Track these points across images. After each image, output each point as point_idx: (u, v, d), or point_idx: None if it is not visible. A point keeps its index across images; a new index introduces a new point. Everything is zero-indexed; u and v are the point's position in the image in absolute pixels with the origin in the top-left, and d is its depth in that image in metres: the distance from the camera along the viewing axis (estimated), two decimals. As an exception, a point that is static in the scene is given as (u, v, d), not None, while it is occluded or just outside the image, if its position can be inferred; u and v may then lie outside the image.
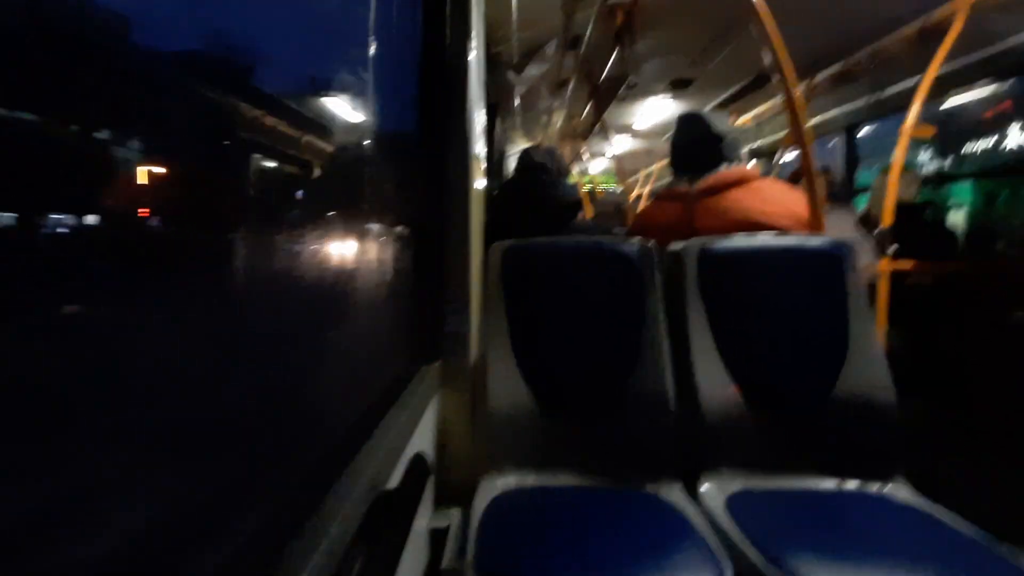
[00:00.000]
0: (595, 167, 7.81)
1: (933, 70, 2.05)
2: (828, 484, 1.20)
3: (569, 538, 0.96)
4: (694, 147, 1.60)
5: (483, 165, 1.57)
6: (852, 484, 1.20)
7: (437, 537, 1.22)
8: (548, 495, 1.16)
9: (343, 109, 1.00)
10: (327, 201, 0.94)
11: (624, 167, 6.51)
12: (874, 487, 1.19)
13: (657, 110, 4.37)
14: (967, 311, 2.31)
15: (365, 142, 1.09)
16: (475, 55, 1.34)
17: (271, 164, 0.79)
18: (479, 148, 1.38)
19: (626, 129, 5.14)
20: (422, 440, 1.15)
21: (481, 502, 1.11)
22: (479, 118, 1.45)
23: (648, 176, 7.50)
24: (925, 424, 1.84)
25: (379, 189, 1.11)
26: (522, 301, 1.33)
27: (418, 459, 0.85)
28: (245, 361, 0.68)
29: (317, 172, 0.92)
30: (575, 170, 6.61)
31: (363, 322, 1.02)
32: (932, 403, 2.03)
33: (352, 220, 1.01)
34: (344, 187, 1.01)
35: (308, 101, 0.88)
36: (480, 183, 1.50)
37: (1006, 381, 2.28)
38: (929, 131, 2.26)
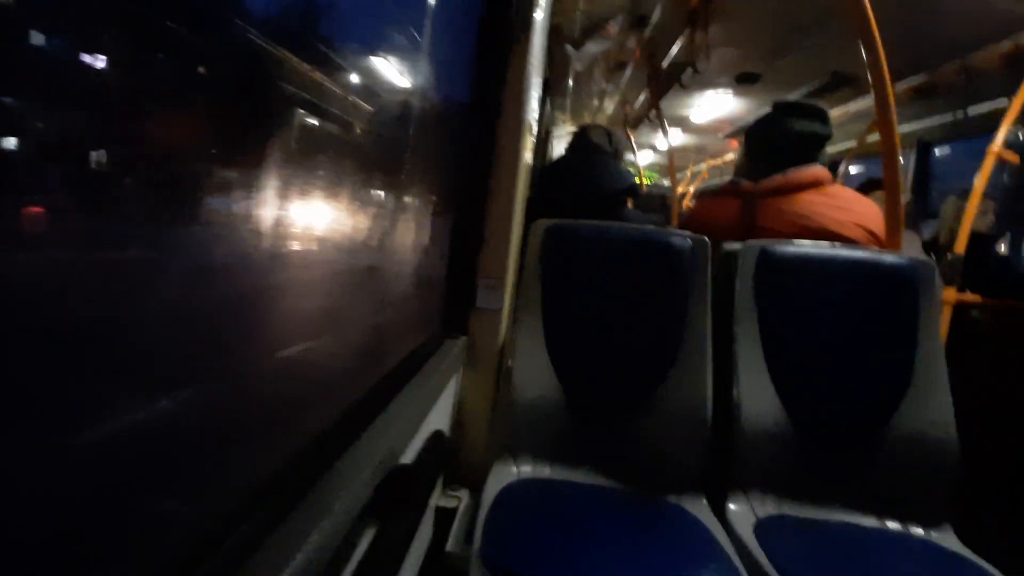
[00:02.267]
0: (642, 159, 7.60)
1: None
2: (868, 521, 1.11)
3: (585, 538, 0.90)
4: (802, 141, 1.43)
5: (534, 138, 1.49)
6: (894, 525, 1.10)
7: (443, 516, 1.17)
8: (563, 489, 1.10)
9: (392, 70, 0.93)
10: (364, 162, 0.88)
11: (670, 162, 6.31)
12: (918, 531, 1.09)
13: (716, 104, 4.17)
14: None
15: (413, 105, 1.01)
16: (540, 21, 1.24)
17: (312, 121, 0.73)
18: (532, 120, 1.29)
19: (680, 122, 4.94)
20: (440, 416, 1.10)
21: (493, 487, 1.06)
22: (536, 89, 1.36)
23: (696, 174, 7.26)
24: (979, 472, 1.71)
25: (423, 154, 1.04)
26: (560, 285, 1.25)
27: (437, 436, 0.79)
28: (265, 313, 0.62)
29: (358, 133, 0.86)
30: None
31: (390, 288, 0.96)
32: (987, 451, 1.89)
33: (390, 183, 0.94)
34: (384, 150, 0.94)
35: (357, 58, 0.80)
36: (529, 156, 1.41)
37: None
38: (1015, 157, 2.07)
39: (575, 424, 1.20)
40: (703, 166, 6.98)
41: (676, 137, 5.69)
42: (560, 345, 1.23)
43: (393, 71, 0.96)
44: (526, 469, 1.17)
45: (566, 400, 1.20)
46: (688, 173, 7.31)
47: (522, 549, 0.86)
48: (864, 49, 1.30)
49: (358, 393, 0.74)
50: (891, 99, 1.29)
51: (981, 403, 1.99)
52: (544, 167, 1.98)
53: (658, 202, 3.73)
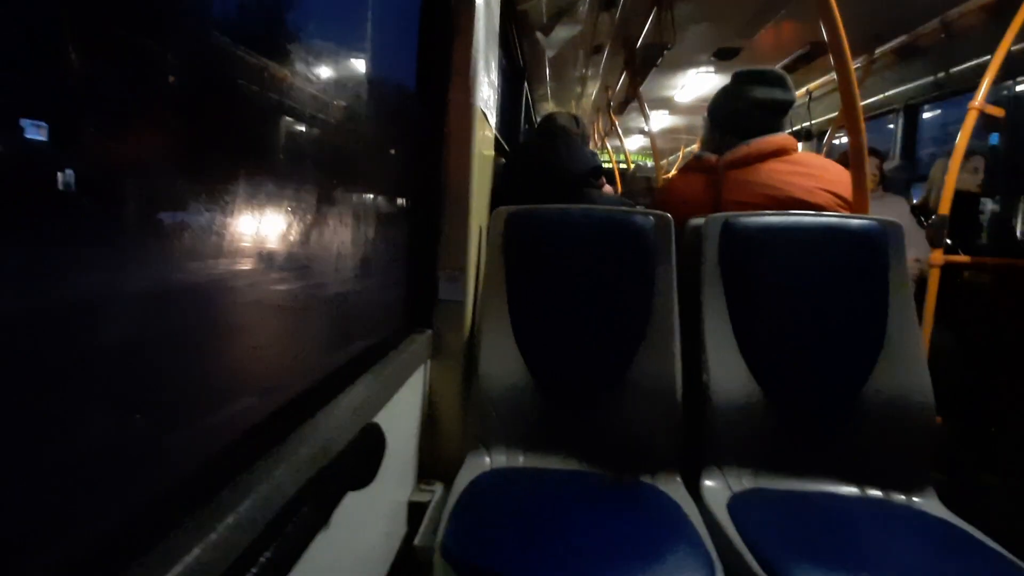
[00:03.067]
0: (632, 144, 7.54)
1: (1006, 44, 1.81)
2: (848, 490, 1.08)
3: (551, 525, 0.88)
4: (763, 108, 1.40)
5: (491, 124, 1.46)
6: (875, 492, 1.08)
7: (418, 511, 1.16)
8: (536, 477, 1.08)
9: (334, 61, 0.91)
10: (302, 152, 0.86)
11: (660, 145, 6.25)
12: (899, 497, 1.07)
13: (699, 83, 4.11)
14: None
15: (359, 99, 0.99)
16: (481, 7, 1.22)
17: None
18: (484, 106, 1.27)
19: (665, 103, 4.89)
20: (403, 411, 1.09)
21: (463, 479, 1.05)
22: (487, 75, 1.33)
23: (689, 155, 7.19)
24: (963, 436, 1.68)
25: (368, 146, 1.02)
26: (524, 272, 1.24)
27: (371, 430, 0.77)
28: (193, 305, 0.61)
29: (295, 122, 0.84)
30: (609, 145, 6.37)
31: (335, 286, 0.94)
32: (974, 413, 1.85)
33: (334, 177, 0.92)
34: (325, 144, 0.92)
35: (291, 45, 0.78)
36: (487, 144, 1.39)
37: None
38: (999, 111, 2.01)
39: (547, 411, 1.18)
40: (695, 147, 6.92)
41: (663, 119, 5.64)
42: (528, 332, 1.21)
43: (334, 62, 0.94)
44: (500, 459, 1.16)
45: (536, 387, 1.18)
46: (680, 154, 7.25)
47: (484, 539, 0.85)
48: (822, 19, 1.27)
49: (297, 391, 0.73)
50: (850, 69, 1.25)
51: (972, 364, 1.96)
52: (510, 154, 1.96)
53: (643, 184, 3.69)
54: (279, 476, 0.56)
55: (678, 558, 0.82)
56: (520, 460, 1.15)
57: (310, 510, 0.60)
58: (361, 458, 0.72)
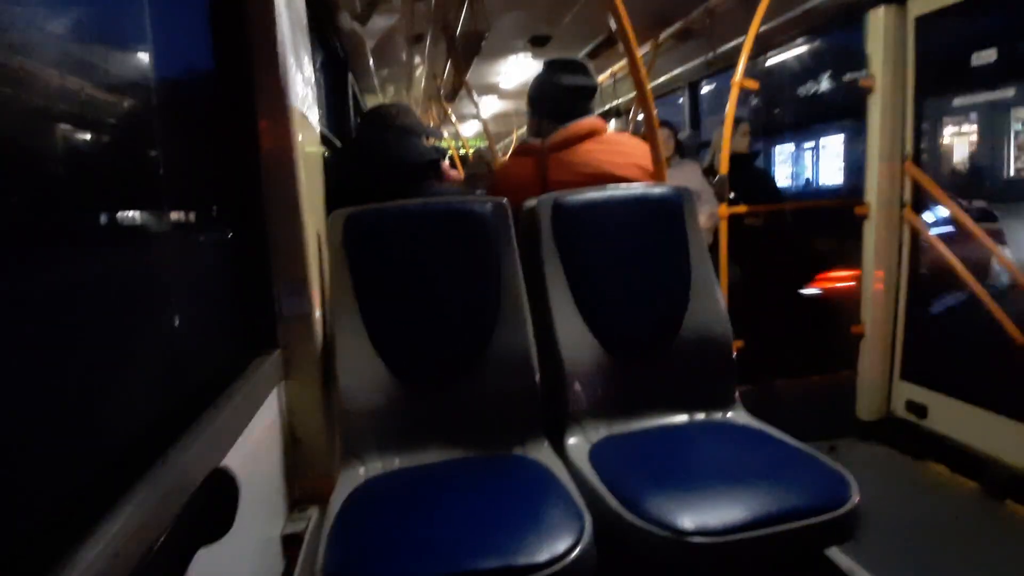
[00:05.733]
0: (467, 130, 7.66)
1: (754, 27, 2.22)
2: (679, 418, 1.28)
3: (427, 522, 0.90)
4: (572, 94, 1.54)
5: (313, 121, 1.39)
6: (699, 416, 1.29)
7: (293, 543, 1.09)
8: (412, 476, 1.09)
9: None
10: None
11: (493, 129, 6.44)
12: (716, 415, 1.29)
13: (520, 69, 4.32)
14: (788, 247, 2.65)
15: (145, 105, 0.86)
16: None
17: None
18: (300, 101, 1.20)
19: (492, 89, 5.05)
20: (260, 440, 1.01)
21: (338, 497, 1.01)
22: (300, 71, 1.25)
23: (521, 138, 7.54)
24: (757, 353, 2.09)
25: (166, 157, 0.89)
26: (370, 273, 1.21)
27: (217, 475, 0.71)
28: None
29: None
30: (445, 133, 6.40)
31: (156, 318, 0.83)
32: (764, 330, 2.30)
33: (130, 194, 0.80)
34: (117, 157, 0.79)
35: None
36: (310, 142, 1.32)
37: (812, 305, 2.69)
38: (754, 84, 2.46)
39: (414, 408, 1.19)
40: (525, 128, 7.28)
41: (494, 104, 5.83)
42: (383, 334, 1.20)
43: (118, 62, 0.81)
44: (375, 467, 1.14)
45: (400, 387, 1.18)
46: (514, 136, 7.57)
47: (363, 555, 0.84)
48: (608, 8, 1.42)
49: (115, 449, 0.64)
50: (636, 53, 1.43)
51: (756, 292, 2.43)
52: (341, 152, 1.87)
53: (483, 168, 3.82)
54: (112, 548, 0.49)
55: (551, 515, 0.89)
56: (396, 463, 1.15)
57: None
58: (209, 509, 0.66)
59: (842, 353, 2.37)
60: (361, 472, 1.12)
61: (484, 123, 4.31)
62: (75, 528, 0.50)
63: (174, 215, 0.91)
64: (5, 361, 0.48)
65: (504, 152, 6.69)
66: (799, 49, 3.39)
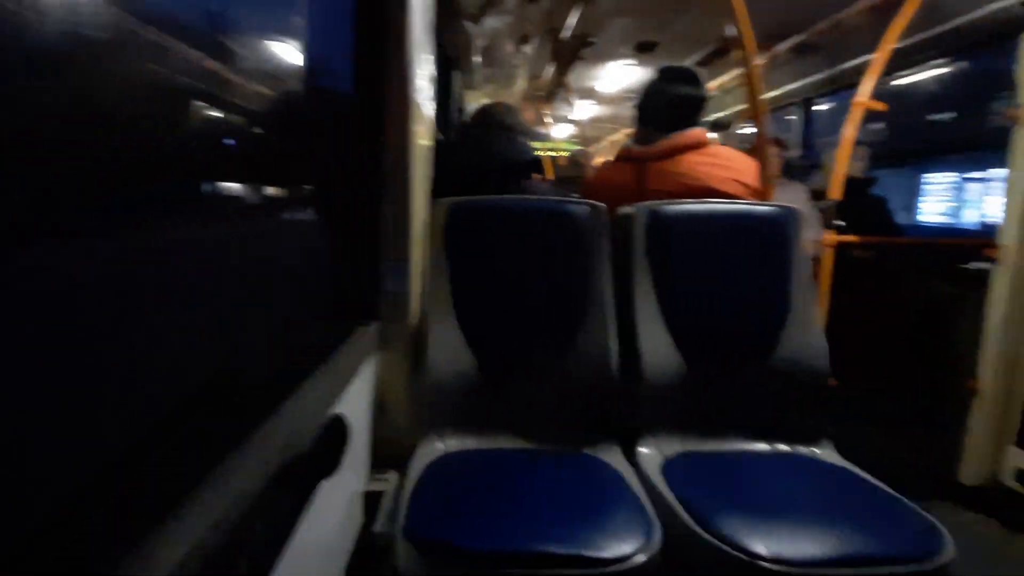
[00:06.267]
0: (559, 132, 7.69)
1: (887, 44, 2.06)
2: (760, 447, 1.23)
3: (502, 501, 0.95)
4: (679, 104, 1.52)
5: (429, 115, 1.48)
6: (783, 447, 1.24)
7: (373, 500, 1.18)
8: (486, 458, 1.14)
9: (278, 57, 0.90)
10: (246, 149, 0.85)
11: (586, 134, 6.42)
12: (802, 450, 1.23)
13: (621, 74, 4.28)
14: (900, 286, 2.42)
15: (299, 94, 0.98)
16: (419, 2, 1.23)
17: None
18: (421, 96, 1.29)
19: (590, 93, 5.04)
20: (354, 403, 1.10)
21: (418, 466, 1.09)
22: (423, 66, 1.34)
23: (614, 144, 7.45)
24: (855, 394, 1.94)
25: (306, 139, 1.01)
26: (466, 261, 1.28)
27: (335, 421, 0.80)
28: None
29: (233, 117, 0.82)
30: (547, 134, 6.48)
31: (282, 286, 0.94)
32: (862, 374, 2.13)
33: (272, 173, 0.91)
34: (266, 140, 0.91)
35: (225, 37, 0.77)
36: (424, 134, 1.41)
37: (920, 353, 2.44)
38: (881, 106, 2.28)
39: (493, 394, 1.24)
40: (619, 135, 7.18)
41: (589, 109, 5.81)
42: (471, 319, 1.26)
43: (279, 59, 0.93)
44: (452, 444, 1.20)
45: (482, 372, 1.24)
46: (607, 143, 7.50)
47: (444, 518, 0.90)
48: (729, 16, 1.39)
49: (251, 391, 0.73)
50: (754, 66, 1.39)
51: (861, 331, 2.25)
52: (448, 145, 1.97)
53: (576, 172, 3.83)
54: (252, 468, 0.57)
55: (621, 519, 0.91)
56: (471, 443, 1.21)
57: (287, 499, 0.62)
58: (328, 447, 0.75)
59: (949, 409, 2.14)
60: (439, 446, 1.19)
61: (581, 128, 4.31)
62: (228, 446, 0.59)
63: (316, 200, 1.02)
64: (204, 303, 0.59)
65: (591, 157, 6.65)
66: (928, 72, 3.09)
